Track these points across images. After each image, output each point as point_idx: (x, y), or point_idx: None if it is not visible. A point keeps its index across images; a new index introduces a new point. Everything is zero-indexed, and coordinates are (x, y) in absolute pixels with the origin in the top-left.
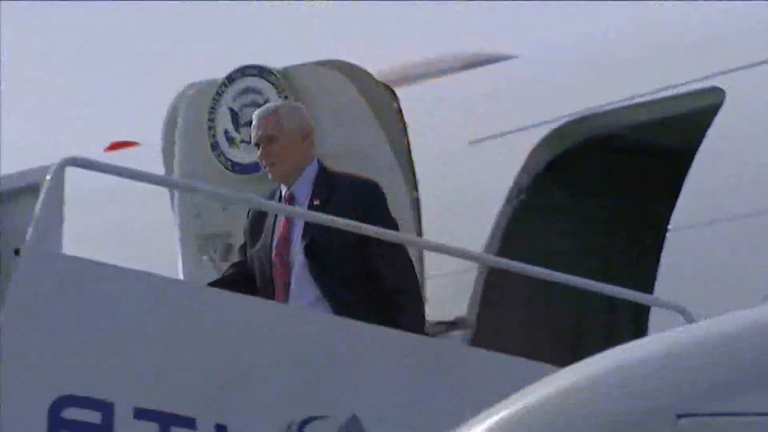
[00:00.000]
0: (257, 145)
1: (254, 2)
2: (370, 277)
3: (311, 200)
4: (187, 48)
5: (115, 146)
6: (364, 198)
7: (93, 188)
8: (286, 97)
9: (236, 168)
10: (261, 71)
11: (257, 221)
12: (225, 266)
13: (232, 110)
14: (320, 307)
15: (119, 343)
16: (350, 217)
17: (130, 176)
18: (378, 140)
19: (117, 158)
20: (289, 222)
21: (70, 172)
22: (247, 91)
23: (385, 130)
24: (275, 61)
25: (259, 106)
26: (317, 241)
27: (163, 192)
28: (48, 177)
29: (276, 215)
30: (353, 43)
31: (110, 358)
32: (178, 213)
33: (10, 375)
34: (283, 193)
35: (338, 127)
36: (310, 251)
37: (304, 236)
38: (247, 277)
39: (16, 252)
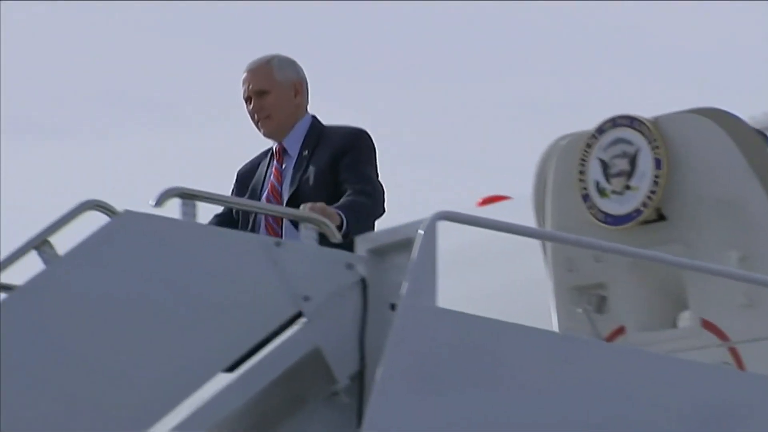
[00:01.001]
0: (248, 99)
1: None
2: None
3: (300, 152)
4: (554, 100)
5: (488, 201)
6: (346, 140)
7: (466, 244)
8: (656, 147)
9: (608, 219)
10: (632, 121)
11: (245, 176)
12: (599, 318)
13: (602, 161)
14: None
15: (503, 396)
16: (331, 162)
17: (502, 229)
18: (753, 189)
19: (489, 212)
20: (280, 173)
21: (442, 227)
22: (617, 141)
23: (760, 179)
24: (644, 111)
25: (630, 156)
26: (301, 188)
27: (534, 245)
28: (421, 231)
29: (267, 168)
30: (723, 89)
31: (494, 411)
32: (552, 265)
33: (388, 428)
34: (275, 147)
35: (712, 177)
36: (293, 198)
37: (291, 186)
38: (230, 224)
39: (392, 307)
